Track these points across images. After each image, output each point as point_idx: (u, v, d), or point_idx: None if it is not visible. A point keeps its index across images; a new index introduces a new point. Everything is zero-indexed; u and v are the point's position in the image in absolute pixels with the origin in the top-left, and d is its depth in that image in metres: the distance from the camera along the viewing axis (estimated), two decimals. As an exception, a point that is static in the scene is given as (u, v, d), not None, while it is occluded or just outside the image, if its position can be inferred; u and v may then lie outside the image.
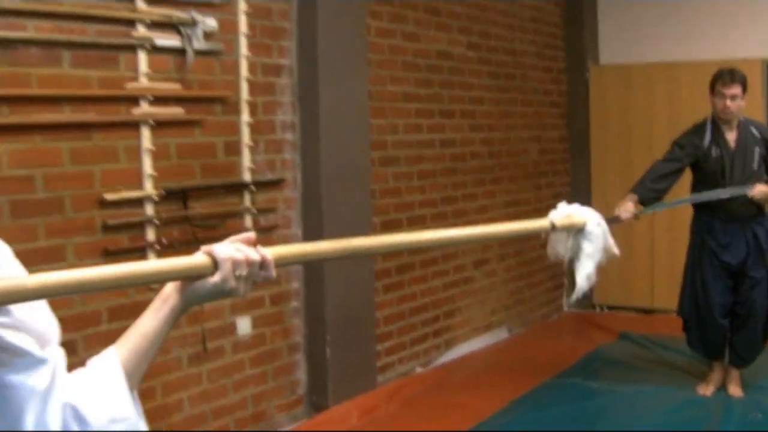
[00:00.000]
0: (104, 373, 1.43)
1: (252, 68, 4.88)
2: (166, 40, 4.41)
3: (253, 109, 4.89)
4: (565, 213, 2.18)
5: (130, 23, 4.27)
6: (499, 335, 7.18)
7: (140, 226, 4.33)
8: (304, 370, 5.34)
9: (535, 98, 7.70)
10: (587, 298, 8.23)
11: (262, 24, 4.98)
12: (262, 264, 1.46)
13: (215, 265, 1.42)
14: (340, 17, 5.26)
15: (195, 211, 4.56)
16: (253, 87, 4.89)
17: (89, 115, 4.11)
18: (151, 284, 1.44)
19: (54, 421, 1.35)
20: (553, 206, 7.03)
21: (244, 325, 4.94)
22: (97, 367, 1.44)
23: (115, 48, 4.21)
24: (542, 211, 7.03)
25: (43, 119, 3.94)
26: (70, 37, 4.01)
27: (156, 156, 4.37)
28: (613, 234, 2.25)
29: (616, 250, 2.18)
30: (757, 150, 5.49)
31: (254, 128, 4.90)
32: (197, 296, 1.46)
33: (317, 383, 5.33)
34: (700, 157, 5.50)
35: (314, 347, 5.31)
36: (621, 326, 7.40)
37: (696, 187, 5.63)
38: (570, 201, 7.07)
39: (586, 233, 2.15)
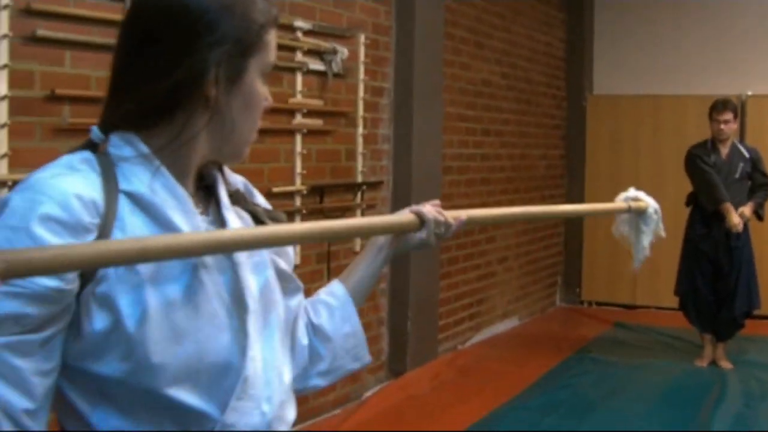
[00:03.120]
0: (341, 307, 1.65)
1: (365, 89, 5.98)
2: (315, 65, 5.49)
3: (364, 123, 5.98)
4: (634, 196, 2.47)
5: (293, 50, 5.33)
6: (513, 322, 8.40)
7: (291, 215, 5.38)
8: (387, 341, 6.42)
9: (543, 121, 8.98)
10: (575, 294, 9.54)
11: (373, 54, 6.08)
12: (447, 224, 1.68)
13: (422, 223, 1.63)
14: (426, 47, 6.39)
15: (327, 204, 5.63)
16: (366, 105, 5.98)
17: (265, 123, 5.13)
18: (372, 235, 1.68)
19: (304, 338, 1.60)
20: None
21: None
22: (331, 299, 1.66)
23: (282, 69, 5.27)
24: (546, 219, 8.29)
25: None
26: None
27: (304, 158, 5.43)
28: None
29: (663, 233, 2.49)
30: (741, 165, 6.85)
31: (365, 139, 5.99)
32: (406, 248, 1.70)
33: (398, 352, 6.41)
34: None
35: (397, 322, 6.39)
36: (610, 319, 8.71)
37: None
38: None
39: (645, 216, 2.44)
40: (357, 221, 1.64)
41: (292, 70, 5.35)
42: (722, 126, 6.82)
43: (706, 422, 5.60)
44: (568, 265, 9.63)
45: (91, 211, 1.23)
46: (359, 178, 5.97)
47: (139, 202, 1.29)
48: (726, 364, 6.97)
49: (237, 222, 1.43)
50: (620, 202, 2.45)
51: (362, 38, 5.91)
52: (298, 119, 5.40)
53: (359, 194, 5.97)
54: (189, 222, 1.33)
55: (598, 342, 7.84)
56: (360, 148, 5.95)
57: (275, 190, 5.18)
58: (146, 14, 1.31)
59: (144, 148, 1.32)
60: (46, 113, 3.80)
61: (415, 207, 1.65)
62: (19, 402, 1.18)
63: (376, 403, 5.83)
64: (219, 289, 1.32)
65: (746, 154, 6.92)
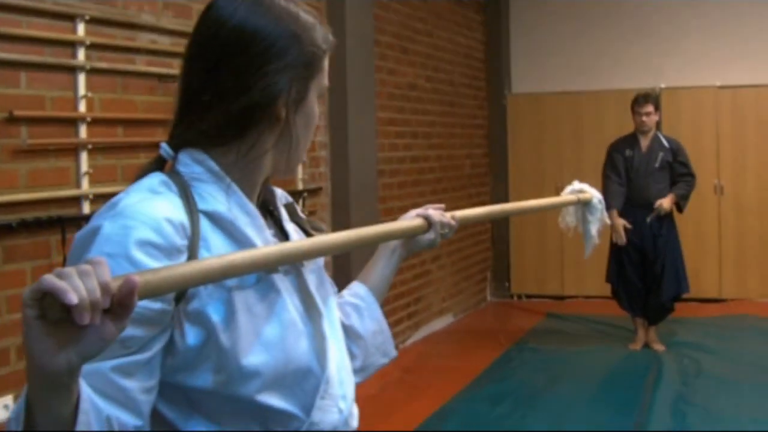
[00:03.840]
0: (368, 307, 1.76)
1: (302, 98, 6.07)
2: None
3: (303, 131, 6.07)
4: (579, 188, 2.58)
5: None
6: (448, 319, 8.58)
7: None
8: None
9: (467, 121, 9.19)
10: (505, 288, 9.78)
11: (307, 62, 6.18)
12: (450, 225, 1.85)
13: (429, 226, 1.80)
14: (358, 56, 6.52)
15: (272, 211, 5.70)
16: (303, 113, 6.08)
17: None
18: (390, 239, 1.79)
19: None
20: None
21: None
22: (358, 301, 1.76)
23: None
24: None
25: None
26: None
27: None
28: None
29: (607, 220, 2.63)
30: (661, 154, 7.16)
31: (304, 146, 6.08)
32: (415, 249, 1.84)
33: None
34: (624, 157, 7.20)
35: (343, 324, 6.49)
36: (541, 310, 8.97)
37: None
38: None
39: (591, 206, 2.57)
40: (378, 228, 1.68)
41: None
42: (644, 118, 7.14)
43: (649, 401, 5.85)
44: (497, 259, 9.87)
45: (181, 234, 1.31)
46: (300, 186, 6.07)
47: (217, 221, 1.38)
48: (659, 347, 7.27)
49: (296, 235, 1.55)
50: (568, 194, 2.56)
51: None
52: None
53: (301, 201, 6.06)
54: (261, 237, 1.43)
55: (534, 333, 8.08)
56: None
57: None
58: (221, 38, 1.38)
59: (215, 167, 1.40)
60: (5, 135, 3.82)
61: (421, 211, 1.80)
62: (132, 420, 1.25)
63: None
64: (292, 298, 1.43)
65: (667, 145, 7.23)
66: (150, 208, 1.29)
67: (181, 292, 1.29)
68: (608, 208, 6.94)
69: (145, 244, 1.26)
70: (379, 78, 7.18)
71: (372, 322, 1.75)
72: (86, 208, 4.30)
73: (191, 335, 1.31)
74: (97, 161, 4.39)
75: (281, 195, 1.62)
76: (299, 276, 1.48)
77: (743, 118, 9.13)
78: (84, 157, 4.30)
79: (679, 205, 7.18)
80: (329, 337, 1.46)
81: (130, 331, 1.22)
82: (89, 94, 4.30)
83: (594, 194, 2.57)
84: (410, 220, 1.78)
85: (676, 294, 7.29)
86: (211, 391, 1.33)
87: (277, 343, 1.37)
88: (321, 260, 1.58)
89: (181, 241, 1.30)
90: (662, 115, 9.13)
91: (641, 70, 9.33)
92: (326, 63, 1.49)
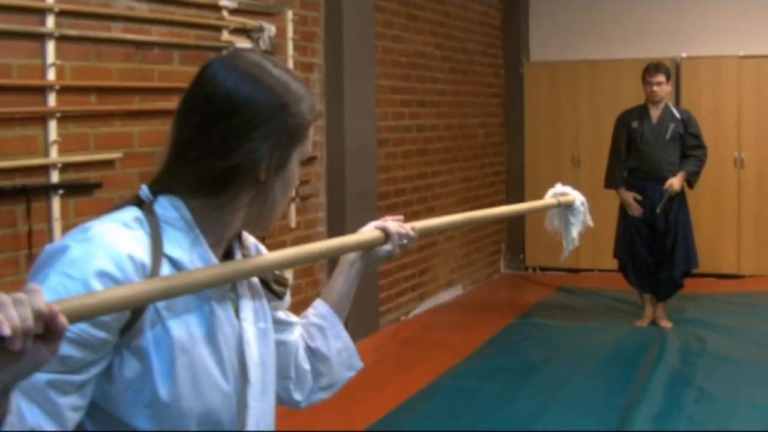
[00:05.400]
0: (331, 326, 1.84)
1: (295, 66, 5.96)
2: (242, 43, 5.47)
3: (296, 99, 5.97)
4: (561, 191, 2.58)
5: (218, 29, 5.31)
6: (457, 291, 8.48)
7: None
8: (328, 315, 6.44)
9: (481, 90, 9.02)
10: (520, 261, 9.64)
11: (302, 30, 6.07)
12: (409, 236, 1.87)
13: (387, 237, 1.82)
14: (356, 22, 6.39)
15: (260, 181, 5.63)
16: (296, 81, 5.97)
17: (192, 103, 5.13)
18: (345, 253, 1.84)
19: (306, 364, 1.81)
20: (495, 182, 8.68)
21: (288, 276, 6.03)
22: (321, 320, 1.84)
23: (208, 49, 5.24)
24: (486, 187, 8.56)
25: (161, 106, 4.93)
26: (179, 40, 5.02)
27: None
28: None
29: (591, 223, 2.62)
30: (672, 126, 6.94)
31: (297, 115, 5.98)
32: (374, 260, 1.87)
33: (339, 325, 6.44)
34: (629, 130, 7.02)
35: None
36: (554, 283, 8.83)
37: (627, 152, 7.07)
38: (508, 178, 8.73)
39: (573, 209, 2.57)
40: (330, 243, 1.74)
41: (218, 50, 5.33)
42: (655, 88, 6.92)
43: (644, 380, 5.70)
44: (512, 232, 9.72)
45: (140, 273, 1.37)
46: (293, 154, 5.97)
47: (178, 267, 1.43)
48: (666, 323, 7.10)
49: (247, 293, 1.60)
50: (549, 198, 2.57)
51: (290, 15, 5.90)
52: (227, 98, 5.38)
53: (293, 170, 5.97)
54: (216, 290, 1.49)
55: (541, 307, 7.94)
56: (292, 125, 5.94)
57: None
58: (213, 101, 1.46)
59: (188, 216, 1.47)
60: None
61: (379, 223, 1.85)
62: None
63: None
64: (233, 361, 1.51)
65: (678, 116, 7.01)
66: (117, 242, 1.37)
67: (126, 325, 1.37)
68: (612, 187, 6.89)
69: (104, 276, 1.32)
70: (382, 45, 7.05)
71: (336, 341, 1.83)
72: (54, 177, 4.25)
73: (128, 368, 1.39)
74: (68, 130, 4.34)
75: (250, 245, 1.67)
76: (241, 340, 1.54)
77: (766, 89, 8.83)
78: (53, 125, 4.24)
79: (690, 182, 6.97)
80: (252, 403, 1.53)
81: (71, 351, 1.30)
82: (59, 62, 4.24)
83: (577, 197, 2.59)
84: (368, 232, 1.83)
85: (685, 270, 7.10)
86: (136, 427, 1.41)
87: (206, 397, 1.45)
88: (257, 284, 1.64)
89: (138, 279, 1.35)
90: (682, 85, 8.93)
91: (661, 38, 9.07)
92: (311, 132, 1.55)
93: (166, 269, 1.41)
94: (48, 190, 4.23)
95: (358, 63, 6.39)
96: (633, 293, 7.42)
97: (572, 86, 9.39)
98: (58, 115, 4.26)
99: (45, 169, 4.23)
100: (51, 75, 4.22)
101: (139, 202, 1.49)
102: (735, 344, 6.57)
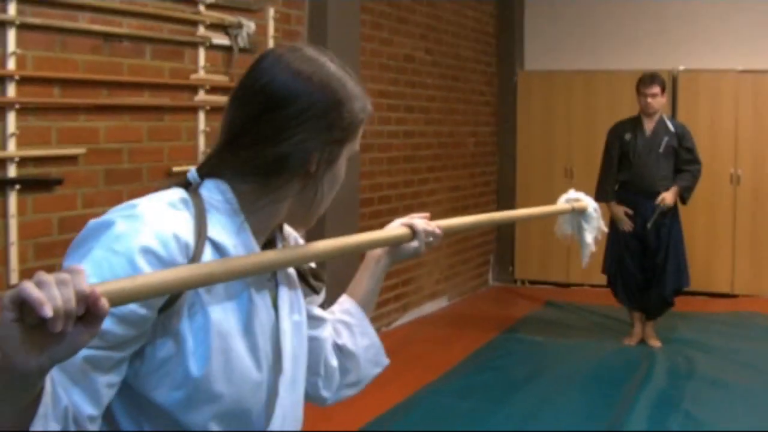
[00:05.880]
0: (358, 323, 1.84)
1: (276, 65, 5.75)
2: (220, 39, 5.26)
3: (275, 100, 5.76)
4: (575, 197, 2.61)
5: (194, 24, 5.10)
6: (442, 303, 8.25)
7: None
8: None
9: (472, 97, 8.81)
10: (509, 273, 9.42)
11: (284, 28, 5.86)
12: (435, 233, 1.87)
13: (413, 234, 1.81)
14: (341, 22, 6.18)
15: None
16: (277, 81, 5.76)
17: (163, 100, 4.93)
18: (373, 248, 1.83)
19: (333, 361, 1.80)
20: (485, 193, 8.43)
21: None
22: (348, 317, 1.84)
23: (182, 44, 5.03)
24: (476, 197, 8.34)
25: (130, 102, 4.73)
26: (152, 34, 4.81)
27: (208, 136, 5.21)
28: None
29: (605, 229, 2.66)
30: (666, 139, 6.72)
31: (276, 116, 5.77)
32: (400, 257, 1.86)
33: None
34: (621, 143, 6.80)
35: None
36: (542, 297, 8.59)
37: (619, 165, 6.85)
38: (498, 188, 8.47)
39: (586, 215, 2.59)
40: (359, 237, 1.71)
41: (194, 45, 5.12)
42: (649, 100, 6.70)
43: (629, 402, 5.48)
44: (501, 243, 9.49)
45: (184, 253, 1.36)
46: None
47: (221, 251, 1.43)
48: (655, 342, 6.87)
49: (285, 283, 1.59)
50: (562, 203, 2.58)
51: (272, 12, 5.69)
52: (201, 96, 5.17)
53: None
54: (256, 278, 1.48)
55: (528, 321, 7.72)
56: (270, 126, 5.73)
57: (176, 169, 4.96)
58: (267, 91, 1.46)
59: (234, 201, 1.47)
60: None
61: (406, 220, 1.84)
62: (88, 409, 1.30)
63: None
64: (267, 350, 1.50)
65: (672, 129, 6.79)
66: (163, 220, 1.36)
67: (165, 304, 1.35)
68: (602, 200, 6.69)
69: (149, 252, 1.32)
70: (370, 48, 6.84)
71: (363, 337, 1.84)
72: (12, 171, 4.05)
73: (162, 347, 1.37)
74: (29, 123, 4.14)
75: (290, 237, 1.67)
76: (277, 330, 1.53)
77: (765, 105, 8.60)
78: (11, 117, 4.05)
79: (683, 197, 6.75)
80: (282, 393, 1.52)
81: (112, 327, 1.29)
82: (19, 51, 4.04)
83: (589, 203, 2.59)
84: (395, 228, 1.82)
85: (676, 287, 6.87)
86: (164, 408, 1.39)
87: (238, 384, 1.44)
88: (294, 276, 1.63)
89: (181, 260, 1.35)
90: (679, 98, 8.72)
91: (659, 50, 8.86)
92: (361, 130, 1.56)
93: (209, 252, 1.41)
94: (4, 184, 4.02)
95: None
96: (623, 310, 7.20)
97: (567, 97, 9.17)
98: (17, 106, 4.07)
99: (2, 162, 4.02)
100: (11, 64, 4.03)
101: (186, 185, 1.49)
102: (725, 366, 6.34)
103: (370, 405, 5.41)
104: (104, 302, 1.10)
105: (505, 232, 9.43)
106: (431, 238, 1.85)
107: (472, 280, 8.99)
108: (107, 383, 1.32)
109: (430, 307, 8.01)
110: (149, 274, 1.25)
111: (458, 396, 5.62)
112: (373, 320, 6.05)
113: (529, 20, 9.47)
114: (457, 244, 8.58)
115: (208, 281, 1.32)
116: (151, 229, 1.33)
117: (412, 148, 7.60)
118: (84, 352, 1.25)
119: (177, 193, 1.45)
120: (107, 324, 1.25)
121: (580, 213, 2.59)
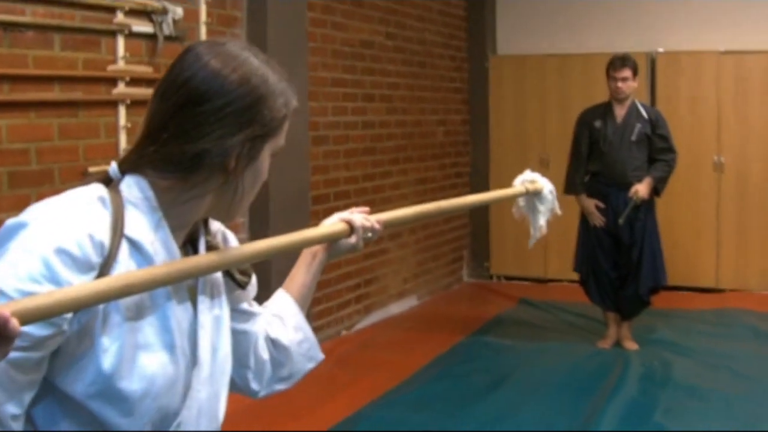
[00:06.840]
0: (292, 317, 1.83)
1: (210, 53, 5.31)
2: (141, 26, 4.82)
3: (210, 91, 5.33)
4: (530, 178, 2.55)
5: (111, 10, 4.66)
6: (410, 302, 7.83)
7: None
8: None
9: (441, 84, 8.35)
10: (484, 269, 8.98)
11: (218, 12, 5.42)
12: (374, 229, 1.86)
13: (351, 230, 1.80)
14: (285, 7, 5.74)
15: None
16: (211, 71, 5.32)
17: (76, 94, 4.50)
18: (310, 245, 1.80)
19: (264, 353, 1.78)
20: (457, 185, 7.90)
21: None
22: (282, 311, 1.83)
23: (98, 33, 4.60)
24: (447, 189, 7.83)
25: (37, 97, 4.30)
26: (61, 22, 4.37)
27: (130, 132, 4.77)
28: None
29: (558, 211, 2.60)
30: (638, 126, 6.26)
31: (212, 108, 5.34)
32: (337, 253, 1.86)
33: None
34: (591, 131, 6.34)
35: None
36: (518, 294, 8.15)
37: (590, 155, 6.39)
38: (471, 180, 7.94)
39: (542, 197, 2.54)
40: (293, 236, 1.67)
41: (112, 33, 4.68)
42: (620, 84, 6.23)
43: (595, 414, 5.05)
44: (476, 238, 9.05)
45: (98, 252, 1.36)
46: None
47: (138, 249, 1.42)
48: (631, 345, 6.44)
49: (203, 284, 1.55)
50: (518, 185, 2.54)
51: (203, -5, 5.25)
52: (121, 88, 4.73)
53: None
54: None
55: (498, 322, 7.28)
56: (205, 119, 5.29)
57: (93, 169, 4.53)
58: (189, 87, 1.45)
59: (153, 198, 1.46)
60: None
61: (344, 215, 1.83)
62: (11, 409, 1.30)
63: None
64: (184, 346, 1.48)
65: (645, 115, 6.33)
66: (77, 220, 1.36)
67: None
68: (572, 193, 6.24)
69: (63, 253, 1.31)
70: (321, 33, 6.39)
71: (297, 332, 1.82)
72: None
73: (75, 344, 1.36)
74: None
75: (215, 230, 1.65)
76: (195, 326, 1.52)
77: (748, 87, 8.12)
78: None
79: (657, 189, 6.30)
80: (196, 386, 1.51)
81: (29, 328, 1.25)
82: None
83: (545, 185, 2.56)
84: (332, 224, 1.81)
85: (653, 286, 6.43)
86: (81, 403, 1.38)
87: (149, 379, 1.41)
88: (219, 276, 1.62)
89: (96, 259, 1.35)
90: (657, 82, 8.27)
91: (637, 31, 8.39)
92: (285, 126, 1.55)
93: (125, 250, 1.41)
94: None
95: (285, 51, 5.73)
96: (598, 309, 6.75)
97: (541, 82, 8.69)
98: None
99: None
100: None
101: (107, 180, 1.48)
102: (704, 371, 5.90)
103: (314, 420, 5.02)
104: (14, 324, 1.11)
105: (480, 226, 8.98)
106: (369, 234, 1.85)
107: (445, 277, 8.56)
108: (29, 382, 1.32)
109: (397, 308, 7.58)
110: (66, 289, 1.24)
111: (411, 408, 5.20)
112: (333, 323, 5.61)
113: (500, 2, 8.99)
114: (427, 240, 8.15)
115: (126, 293, 1.31)
116: (65, 229, 1.33)
117: (373, 140, 7.16)
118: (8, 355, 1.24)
119: (95, 190, 1.43)
120: (25, 326, 1.21)
121: (535, 194, 2.54)
